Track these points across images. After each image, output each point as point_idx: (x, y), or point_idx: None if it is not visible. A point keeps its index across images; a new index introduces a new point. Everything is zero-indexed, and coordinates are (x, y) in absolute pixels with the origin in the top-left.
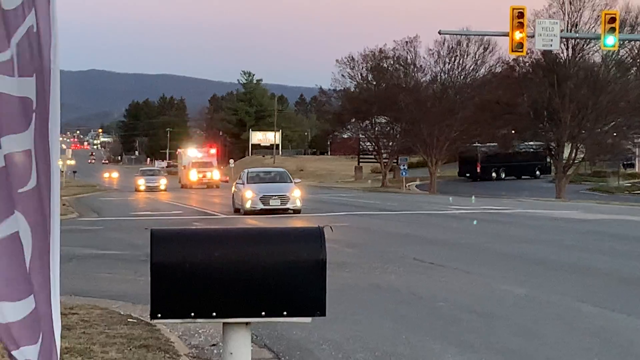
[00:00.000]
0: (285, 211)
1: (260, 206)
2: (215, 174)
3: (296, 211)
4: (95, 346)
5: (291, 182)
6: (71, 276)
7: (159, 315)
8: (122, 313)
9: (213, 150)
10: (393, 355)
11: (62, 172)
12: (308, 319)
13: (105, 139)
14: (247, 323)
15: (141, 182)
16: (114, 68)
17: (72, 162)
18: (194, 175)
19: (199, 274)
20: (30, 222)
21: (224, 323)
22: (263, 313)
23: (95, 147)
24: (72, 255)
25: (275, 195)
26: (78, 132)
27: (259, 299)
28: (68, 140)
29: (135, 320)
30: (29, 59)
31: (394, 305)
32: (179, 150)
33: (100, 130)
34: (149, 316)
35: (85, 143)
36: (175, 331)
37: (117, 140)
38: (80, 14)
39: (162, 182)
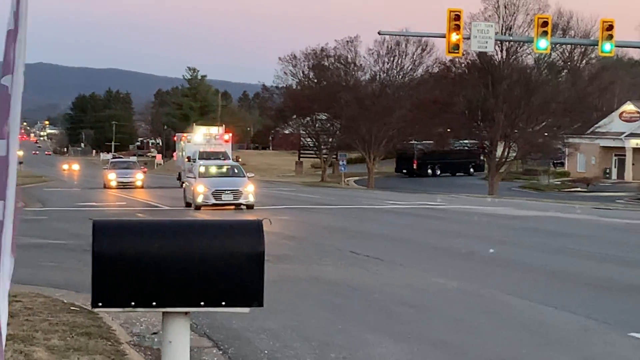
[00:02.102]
0: (237, 206)
1: (212, 201)
2: None
3: (249, 206)
4: (38, 333)
5: (244, 176)
6: (15, 265)
7: (100, 304)
8: (65, 301)
9: (227, 136)
10: (329, 345)
11: None
12: (246, 310)
13: (52, 131)
14: (186, 313)
15: (112, 177)
16: (61, 62)
17: (20, 152)
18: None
19: (140, 264)
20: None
21: (163, 312)
22: (202, 303)
23: (41, 138)
24: (17, 244)
25: (227, 190)
26: (25, 123)
27: (198, 289)
28: None
29: (78, 309)
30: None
31: (330, 297)
32: (177, 135)
33: (46, 122)
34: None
35: (32, 135)
36: (117, 319)
37: (63, 132)
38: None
39: (139, 176)
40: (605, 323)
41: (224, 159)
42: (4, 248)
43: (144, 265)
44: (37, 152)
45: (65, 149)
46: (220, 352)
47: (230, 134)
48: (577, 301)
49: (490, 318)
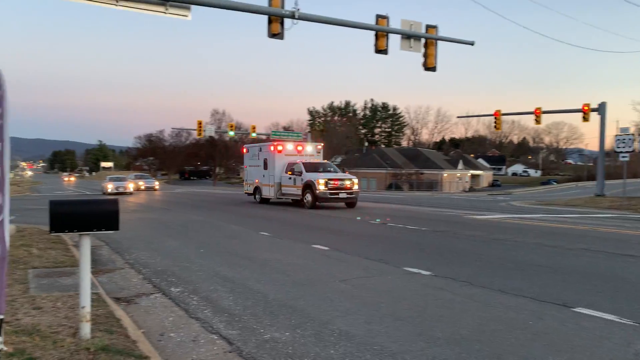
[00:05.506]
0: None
1: (115, 190)
2: (355, 183)
3: (155, 190)
4: (34, 242)
5: (152, 178)
6: (26, 217)
7: (53, 231)
8: (44, 230)
9: (320, 145)
10: (151, 242)
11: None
12: (112, 231)
13: (43, 164)
14: (87, 233)
15: (110, 187)
16: (50, 137)
17: (31, 172)
18: (323, 185)
19: (70, 215)
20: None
21: (79, 234)
22: (94, 229)
23: (38, 167)
24: (24, 209)
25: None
26: (32, 161)
27: (93, 224)
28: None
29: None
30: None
31: (154, 225)
32: (246, 147)
33: (40, 161)
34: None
35: (34, 165)
36: (67, 236)
37: (47, 165)
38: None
39: (130, 186)
40: (342, 252)
41: (335, 170)
42: (5, 213)
43: (71, 216)
44: (35, 172)
45: (46, 172)
46: (107, 247)
47: (322, 143)
48: (324, 241)
49: (289, 250)
